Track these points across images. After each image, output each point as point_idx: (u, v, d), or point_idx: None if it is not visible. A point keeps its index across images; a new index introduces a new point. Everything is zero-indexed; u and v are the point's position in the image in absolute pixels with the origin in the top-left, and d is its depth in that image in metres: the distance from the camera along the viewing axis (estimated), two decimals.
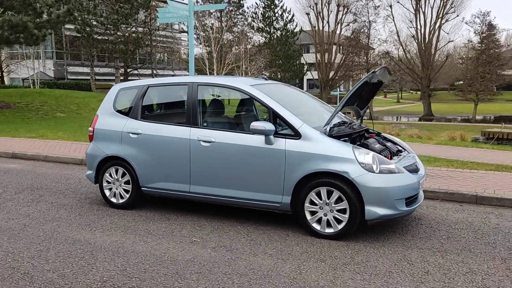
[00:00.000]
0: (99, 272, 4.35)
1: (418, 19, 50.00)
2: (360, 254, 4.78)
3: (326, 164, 5.13)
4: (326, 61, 53.85)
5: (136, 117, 6.40)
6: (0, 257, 4.71)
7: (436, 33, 49.98)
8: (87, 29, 37.44)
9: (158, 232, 5.51)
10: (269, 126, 5.33)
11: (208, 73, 34.96)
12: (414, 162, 5.80)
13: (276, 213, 5.97)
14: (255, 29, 57.34)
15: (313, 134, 5.30)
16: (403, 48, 52.12)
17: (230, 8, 54.69)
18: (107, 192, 6.59)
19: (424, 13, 49.72)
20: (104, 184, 6.60)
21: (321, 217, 5.25)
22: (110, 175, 6.54)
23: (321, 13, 52.98)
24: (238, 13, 56.18)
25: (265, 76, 40.57)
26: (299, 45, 59.98)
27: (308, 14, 53.73)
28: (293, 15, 57.78)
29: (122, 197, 6.50)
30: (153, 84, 6.59)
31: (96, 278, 4.21)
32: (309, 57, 61.76)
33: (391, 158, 5.58)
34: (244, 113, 6.91)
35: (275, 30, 57.13)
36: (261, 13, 57.29)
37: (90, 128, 6.74)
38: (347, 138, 5.51)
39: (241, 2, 55.98)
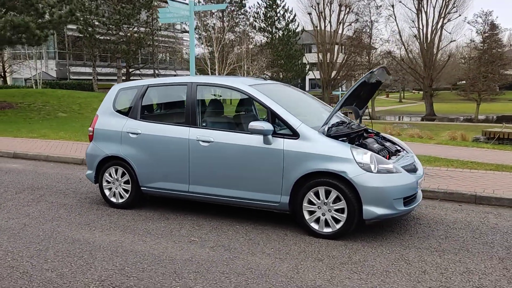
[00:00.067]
0: (98, 271, 4.38)
1: (420, 18, 50.03)
2: (358, 254, 4.80)
3: (324, 164, 5.15)
4: (328, 61, 53.87)
5: (136, 117, 6.43)
6: None
7: (438, 32, 50.01)
8: (89, 29, 37.51)
9: (157, 231, 5.53)
10: (267, 126, 5.34)
11: (210, 73, 35.02)
12: (413, 162, 5.81)
13: (274, 213, 5.98)
14: (257, 29, 57.41)
15: (312, 134, 5.31)
16: (405, 47, 52.15)
17: (232, 8, 54.75)
18: (106, 192, 6.62)
19: (426, 12, 49.77)
20: (104, 183, 6.63)
21: (319, 217, 5.27)
22: (110, 175, 6.57)
23: (323, 13, 53.03)
24: (240, 13, 56.27)
25: (264, 76, 40.56)
26: (301, 45, 60.01)
27: (310, 14, 53.79)
28: (295, 15, 57.87)
29: (121, 197, 6.52)
30: (152, 84, 6.61)
31: (94, 277, 4.24)
32: (311, 57, 61.77)
33: (389, 158, 5.59)
34: (244, 113, 6.93)
35: (277, 30, 57.16)
36: (263, 13, 57.33)
37: (90, 128, 6.77)
38: (345, 138, 5.53)
39: (243, 2, 56.05)
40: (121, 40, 39.76)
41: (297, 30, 57.44)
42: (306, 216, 5.33)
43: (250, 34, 53.61)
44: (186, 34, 50.29)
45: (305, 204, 5.31)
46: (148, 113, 6.70)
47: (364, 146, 5.59)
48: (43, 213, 6.30)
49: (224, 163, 5.70)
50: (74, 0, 22.52)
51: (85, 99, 26.55)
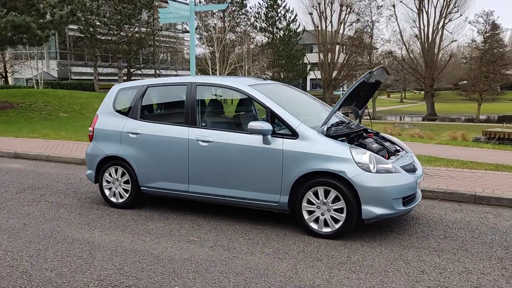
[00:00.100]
0: (97, 271, 4.39)
1: (421, 18, 49.99)
2: (357, 253, 4.80)
3: (323, 164, 5.16)
4: (329, 61, 53.85)
5: (136, 117, 6.44)
6: None
7: (440, 32, 49.96)
8: (91, 30, 37.58)
9: (157, 231, 5.55)
10: (266, 126, 5.35)
11: (211, 73, 35.03)
12: (412, 161, 5.81)
13: (274, 213, 5.99)
14: (258, 29, 57.40)
15: (311, 134, 5.32)
16: (406, 47, 52.10)
17: (233, 8, 54.78)
18: (107, 192, 6.63)
19: (427, 12, 49.72)
20: (104, 183, 6.64)
21: (318, 217, 5.27)
22: (110, 174, 6.58)
23: (324, 13, 53.01)
24: (241, 13, 56.30)
25: (265, 76, 40.56)
26: (302, 45, 60.01)
27: (311, 14, 53.77)
28: (296, 15, 57.90)
29: (121, 197, 6.54)
30: (152, 84, 6.63)
31: (93, 277, 4.25)
32: (312, 57, 61.78)
33: (388, 158, 5.60)
34: (243, 113, 6.94)
35: (278, 30, 57.14)
36: (264, 13, 57.32)
37: (90, 128, 6.78)
38: (344, 138, 5.54)
39: (244, 2, 56.08)
40: (122, 40, 39.80)
41: (298, 30, 57.42)
42: (305, 216, 5.33)
43: (251, 34, 53.66)
44: (187, 34, 50.29)
45: (304, 204, 5.31)
46: (148, 113, 6.72)
47: (363, 146, 5.59)
48: (43, 213, 6.32)
49: (223, 163, 5.72)
50: (75, 1, 22.58)
51: (86, 99, 26.58)
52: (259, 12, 57.64)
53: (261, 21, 57.53)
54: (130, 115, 6.50)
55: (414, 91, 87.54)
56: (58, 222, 5.91)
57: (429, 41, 49.86)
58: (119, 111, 6.67)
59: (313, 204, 5.28)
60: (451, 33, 66.10)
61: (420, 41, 50.77)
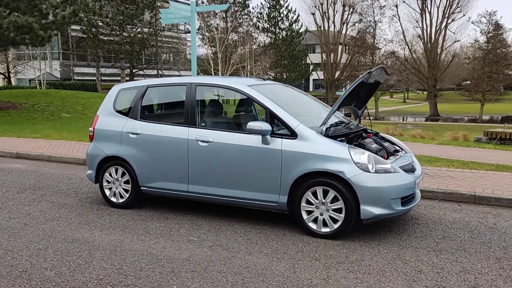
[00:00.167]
0: (96, 270, 4.41)
1: (424, 18, 49.88)
2: (355, 253, 4.82)
3: (322, 164, 5.17)
4: (331, 61, 53.79)
5: (136, 117, 6.47)
6: None
7: (442, 32, 49.85)
8: (93, 30, 37.64)
9: (156, 231, 5.57)
10: (265, 126, 5.37)
11: (213, 73, 35.07)
12: (411, 162, 5.82)
13: (274, 213, 6.01)
14: (260, 30, 57.40)
15: (309, 134, 5.33)
16: (409, 48, 52.00)
17: (235, 9, 54.78)
18: (107, 192, 6.66)
19: (430, 12, 49.59)
20: (104, 183, 6.67)
21: (317, 217, 5.29)
22: (110, 174, 6.61)
23: (326, 13, 52.93)
24: (243, 13, 56.25)
25: (267, 77, 40.58)
26: (305, 45, 60.01)
27: (313, 14, 53.70)
28: (298, 15, 57.87)
29: (122, 197, 6.56)
30: (152, 84, 6.65)
31: (92, 276, 4.27)
32: (314, 57, 61.76)
33: (387, 158, 5.61)
34: (243, 113, 6.96)
35: (280, 30, 57.15)
36: (266, 13, 57.34)
37: (91, 128, 6.81)
38: (343, 138, 5.55)
39: (246, 2, 56.05)
40: (125, 40, 39.86)
41: (300, 31, 57.42)
42: (304, 216, 5.35)
43: (253, 34, 53.63)
44: (190, 34, 50.32)
45: (303, 204, 5.33)
46: (148, 113, 6.74)
47: (363, 146, 5.61)
48: (44, 212, 6.35)
49: (222, 163, 5.73)
50: (77, 1, 22.61)
51: (88, 100, 26.64)
52: (262, 12, 57.74)
53: (263, 21, 57.57)
54: (130, 115, 6.53)
55: (417, 91, 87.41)
56: (59, 222, 5.94)
57: (432, 41, 49.76)
58: (119, 111, 6.70)
59: (312, 204, 5.29)
60: (454, 33, 66.14)
61: (422, 41, 50.68)
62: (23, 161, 10.61)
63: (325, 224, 5.26)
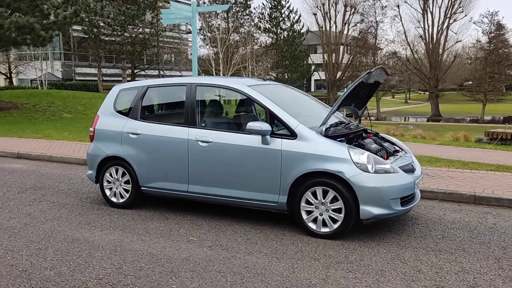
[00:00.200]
0: (95, 270, 4.42)
1: (425, 19, 49.88)
2: (355, 253, 4.82)
3: (321, 164, 5.18)
4: (333, 62, 53.83)
5: (136, 118, 6.48)
6: None
7: (444, 33, 49.87)
8: (94, 30, 37.67)
9: (156, 231, 5.58)
10: (265, 126, 5.38)
11: (214, 73, 35.07)
12: (410, 162, 5.82)
13: (274, 213, 6.01)
14: (261, 30, 57.44)
15: (309, 134, 5.34)
16: (410, 48, 52.03)
17: (237, 9, 54.80)
18: (107, 192, 6.67)
19: (432, 13, 49.64)
20: (105, 183, 6.68)
21: (316, 217, 5.30)
22: (111, 175, 6.62)
23: (328, 14, 53.00)
24: (244, 13, 56.28)
25: (269, 77, 40.55)
26: (306, 45, 59.98)
27: (315, 14, 53.80)
28: (300, 16, 57.88)
29: (122, 197, 6.58)
30: (152, 85, 6.67)
31: (92, 276, 4.28)
32: (316, 58, 61.76)
33: (387, 158, 5.62)
34: (244, 113, 6.96)
35: (281, 31, 57.18)
36: (268, 14, 57.38)
37: (91, 129, 6.83)
38: (343, 138, 5.56)
39: (248, 2, 56.05)
40: (126, 41, 39.90)
41: (302, 31, 57.43)
42: (304, 216, 5.36)
43: (255, 34, 53.66)
44: (191, 34, 50.38)
45: (302, 204, 5.34)
46: (148, 113, 6.75)
47: (362, 147, 5.61)
48: (44, 212, 6.37)
49: (222, 163, 5.74)
50: (79, 1, 22.63)
51: (90, 100, 26.68)
52: (263, 12, 57.75)
53: (265, 21, 57.59)
54: (130, 115, 6.54)
55: (419, 91, 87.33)
56: (59, 221, 5.96)
57: (434, 42, 49.76)
58: (119, 112, 6.71)
59: (311, 204, 5.30)
60: (455, 33, 65.93)
61: (424, 42, 50.68)
62: (24, 161, 10.63)
63: (324, 224, 5.27)
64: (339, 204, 5.15)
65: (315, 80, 69.43)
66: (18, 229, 5.63)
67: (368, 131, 6.42)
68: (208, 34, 42.14)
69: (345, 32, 53.35)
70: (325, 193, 5.22)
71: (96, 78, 42.16)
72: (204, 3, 52.35)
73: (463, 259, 4.66)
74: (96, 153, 6.70)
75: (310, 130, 5.38)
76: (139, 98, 6.55)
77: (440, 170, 8.46)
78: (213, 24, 46.22)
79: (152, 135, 6.24)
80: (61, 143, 12.60)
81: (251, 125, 5.41)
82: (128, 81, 40.24)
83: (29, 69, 41.05)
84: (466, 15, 53.01)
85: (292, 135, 5.39)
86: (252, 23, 57.08)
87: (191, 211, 6.38)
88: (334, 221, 5.22)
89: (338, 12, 52.98)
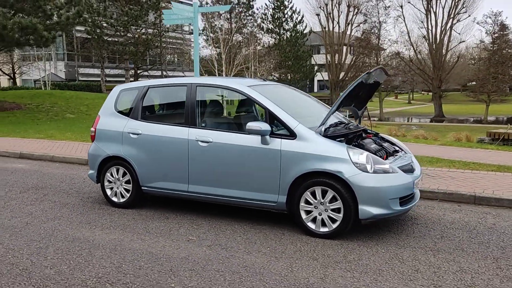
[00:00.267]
0: (95, 268, 4.45)
1: (429, 19, 49.81)
2: (353, 253, 4.84)
3: (320, 164, 5.20)
4: (336, 62, 53.77)
5: (137, 118, 6.51)
6: (0, 253, 4.84)
7: (448, 33, 49.80)
8: (97, 31, 37.79)
9: (156, 230, 5.61)
10: (264, 126, 5.40)
11: (217, 74, 35.11)
12: (410, 162, 5.83)
13: (273, 213, 6.04)
14: (264, 30, 57.40)
15: (308, 134, 5.36)
16: (414, 48, 51.94)
17: (240, 9, 54.83)
18: (108, 192, 6.71)
19: (435, 13, 49.54)
20: (106, 183, 6.72)
21: (316, 216, 5.31)
22: (111, 174, 6.66)
23: (331, 14, 52.97)
24: (247, 14, 56.30)
25: (267, 78, 40.54)
26: (309, 46, 59.95)
27: (318, 15, 53.76)
28: (303, 16, 58.00)
29: (123, 196, 6.61)
30: (153, 85, 6.70)
31: (91, 274, 4.31)
32: (319, 58, 61.76)
33: (386, 158, 5.63)
34: (244, 113, 6.99)
35: (284, 31, 57.13)
36: (271, 14, 57.34)
37: (92, 129, 6.86)
38: (343, 138, 5.58)
39: (251, 3, 56.09)
40: (129, 41, 40.00)
41: (305, 31, 57.38)
42: (303, 215, 5.38)
43: (257, 35, 53.65)
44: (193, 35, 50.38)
45: (302, 203, 5.36)
46: (148, 113, 6.78)
47: (362, 147, 5.63)
48: (46, 212, 6.41)
49: (222, 163, 5.77)
50: (82, 2, 22.72)
51: (92, 100, 26.77)
52: (266, 13, 57.70)
53: (267, 22, 57.57)
54: (131, 115, 6.58)
55: (422, 92, 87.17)
56: (60, 221, 5.99)
57: (437, 42, 49.68)
58: (120, 112, 6.75)
59: (310, 204, 5.32)
60: (459, 33, 66.11)
61: (428, 42, 50.61)
62: (26, 161, 10.68)
63: (323, 224, 5.29)
64: (338, 204, 5.17)
65: (318, 80, 69.41)
66: (20, 228, 5.67)
67: (368, 131, 6.43)
68: (211, 34, 42.15)
69: (348, 32, 53.33)
70: (324, 193, 5.24)
71: (99, 79, 42.29)
72: (207, 3, 52.41)
73: (462, 258, 4.67)
74: (97, 153, 6.73)
75: (309, 130, 5.40)
76: (139, 98, 6.58)
77: (441, 171, 8.47)
78: (216, 25, 46.23)
79: (153, 135, 6.27)
80: (63, 143, 12.66)
81: (251, 125, 5.44)
82: (131, 81, 40.25)
83: (33, 69, 41.20)
84: (469, 16, 53.11)
85: (292, 135, 5.41)
86: (255, 24, 57.11)
87: (191, 211, 6.41)
88: (333, 220, 5.23)
89: (341, 12, 53.02)
